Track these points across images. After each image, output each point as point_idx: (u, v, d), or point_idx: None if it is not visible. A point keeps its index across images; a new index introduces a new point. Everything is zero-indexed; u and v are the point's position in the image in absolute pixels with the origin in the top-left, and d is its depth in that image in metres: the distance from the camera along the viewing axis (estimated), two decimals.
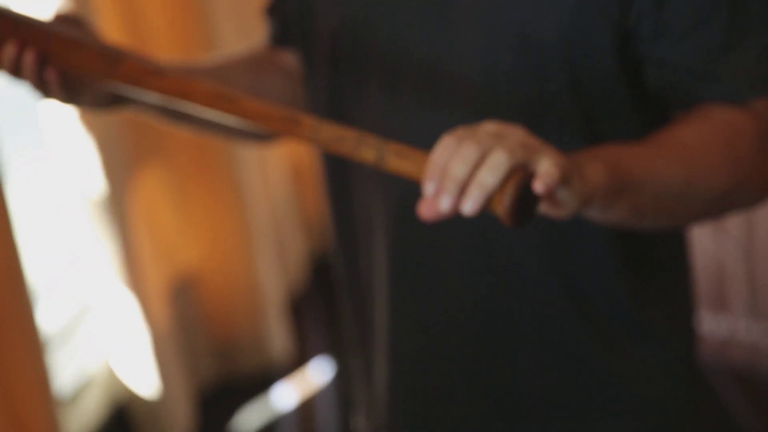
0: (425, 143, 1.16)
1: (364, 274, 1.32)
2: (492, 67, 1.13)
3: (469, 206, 0.89)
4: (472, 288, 1.22)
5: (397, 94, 1.19)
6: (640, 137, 1.12)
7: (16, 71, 1.19)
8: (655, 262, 1.25)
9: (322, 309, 3.47)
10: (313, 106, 1.30)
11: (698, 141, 1.09)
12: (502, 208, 0.90)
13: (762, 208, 2.66)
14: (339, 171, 1.30)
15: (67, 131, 2.27)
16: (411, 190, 1.17)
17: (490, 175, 0.89)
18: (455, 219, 0.96)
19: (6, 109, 2.13)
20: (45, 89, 1.19)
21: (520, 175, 0.90)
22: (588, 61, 1.12)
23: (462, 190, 0.90)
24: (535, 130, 1.12)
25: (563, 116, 1.14)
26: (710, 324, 2.85)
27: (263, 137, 1.39)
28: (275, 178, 3.32)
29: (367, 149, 0.99)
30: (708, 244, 2.80)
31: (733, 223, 2.75)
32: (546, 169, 0.90)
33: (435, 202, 0.90)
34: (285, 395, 2.97)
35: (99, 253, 2.39)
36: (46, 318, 2.17)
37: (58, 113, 2.24)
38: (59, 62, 1.18)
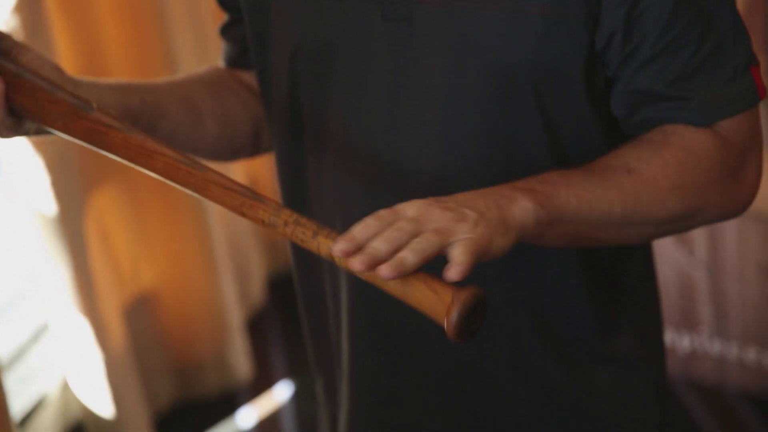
0: (388, 170, 1.14)
1: (328, 295, 1.30)
2: (458, 89, 1.12)
3: (386, 272, 0.92)
4: None
5: (360, 116, 1.18)
6: (606, 152, 1.12)
7: None
8: (622, 289, 1.25)
9: (282, 329, 3.45)
10: (273, 128, 1.28)
11: (647, 167, 1.09)
12: (450, 326, 0.92)
13: (726, 224, 2.67)
14: (298, 190, 1.27)
15: (18, 149, 2.22)
16: (374, 205, 1.15)
17: (411, 255, 0.93)
18: None
19: None
20: None
21: (464, 295, 0.92)
22: (555, 85, 1.11)
23: (376, 263, 0.93)
24: (503, 152, 1.13)
25: (531, 137, 1.13)
26: (676, 339, 2.85)
27: (228, 155, 1.36)
28: None
29: (324, 239, 0.99)
30: (673, 260, 2.80)
31: (698, 240, 2.75)
32: (458, 258, 0.93)
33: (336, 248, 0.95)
34: (245, 416, 2.94)
35: (53, 273, 2.35)
36: (1, 338, 2.12)
37: None
38: (20, 99, 1.12)
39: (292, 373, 3.13)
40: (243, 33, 1.31)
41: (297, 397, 3.01)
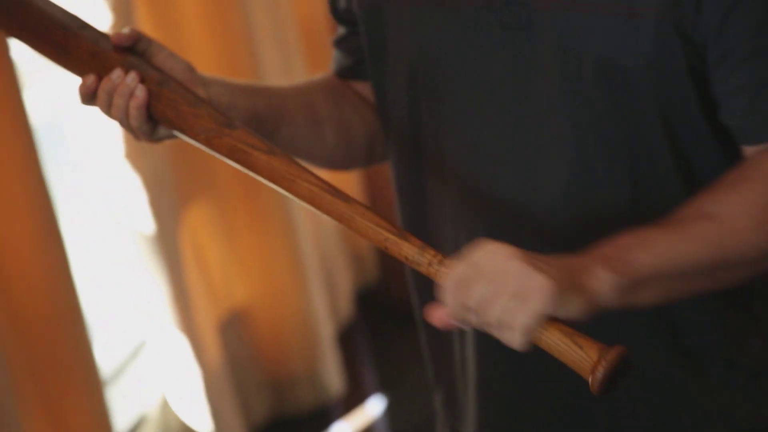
0: (509, 181, 1.13)
1: (453, 340, 1.29)
2: (577, 96, 1.11)
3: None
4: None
5: (479, 126, 1.17)
6: (729, 164, 1.10)
7: (108, 101, 1.15)
8: (753, 292, 1.22)
9: (371, 342, 3.45)
10: (391, 140, 1.28)
11: (725, 208, 1.06)
12: (595, 384, 0.94)
13: None
14: (417, 205, 1.27)
15: (116, 169, 2.25)
16: (497, 223, 1.14)
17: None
18: None
19: (56, 146, 2.12)
20: (125, 119, 1.16)
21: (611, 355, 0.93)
22: (672, 90, 1.10)
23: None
24: (626, 161, 1.11)
25: (653, 144, 1.12)
26: None
27: (343, 164, 1.37)
28: None
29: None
30: None
31: None
32: (522, 324, 0.95)
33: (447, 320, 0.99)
34: (338, 430, 2.93)
35: (151, 290, 2.37)
36: (103, 355, 2.15)
37: (106, 151, 2.23)
38: (162, 108, 1.14)
39: (384, 387, 3.13)
40: (357, 45, 1.32)
41: (390, 411, 3.01)
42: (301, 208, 2.97)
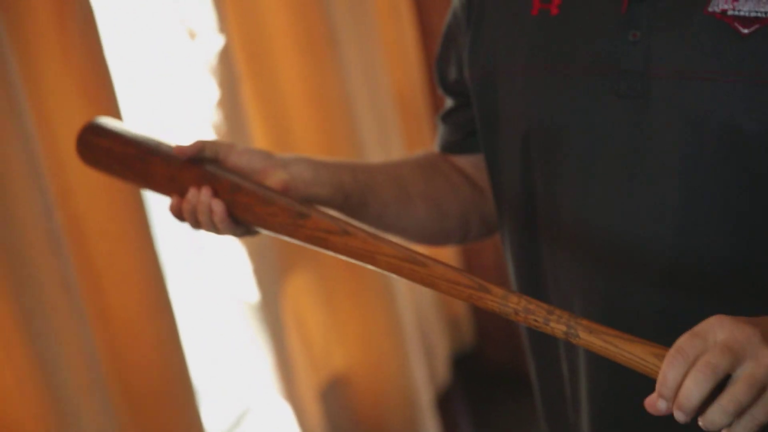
0: (625, 252, 1.13)
1: (565, 376, 1.29)
2: (697, 164, 1.11)
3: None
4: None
5: (594, 196, 1.17)
6: None
7: (194, 219, 1.20)
8: None
9: (468, 407, 3.44)
10: (503, 212, 1.29)
11: None
12: None
13: None
14: (531, 274, 1.27)
15: (222, 240, 2.31)
16: (610, 288, 1.14)
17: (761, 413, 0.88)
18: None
19: (165, 218, 2.18)
20: (216, 230, 1.20)
21: None
22: None
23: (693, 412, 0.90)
24: (746, 229, 1.10)
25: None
26: None
27: (436, 240, 1.38)
28: None
29: (556, 323, 0.99)
30: None
31: None
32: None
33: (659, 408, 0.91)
34: None
35: (255, 357, 2.41)
36: (209, 422, 2.18)
37: None
38: (241, 214, 1.18)
39: None
40: (465, 118, 1.33)
41: None
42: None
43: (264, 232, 1.20)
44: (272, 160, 1.21)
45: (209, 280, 2.43)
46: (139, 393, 1.94)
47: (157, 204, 2.05)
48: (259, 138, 2.50)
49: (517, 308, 1.01)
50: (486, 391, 3.52)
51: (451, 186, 1.37)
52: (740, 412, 0.88)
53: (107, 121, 1.27)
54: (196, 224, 1.21)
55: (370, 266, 1.12)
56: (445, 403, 3.44)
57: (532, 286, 1.28)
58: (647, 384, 0.95)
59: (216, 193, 1.17)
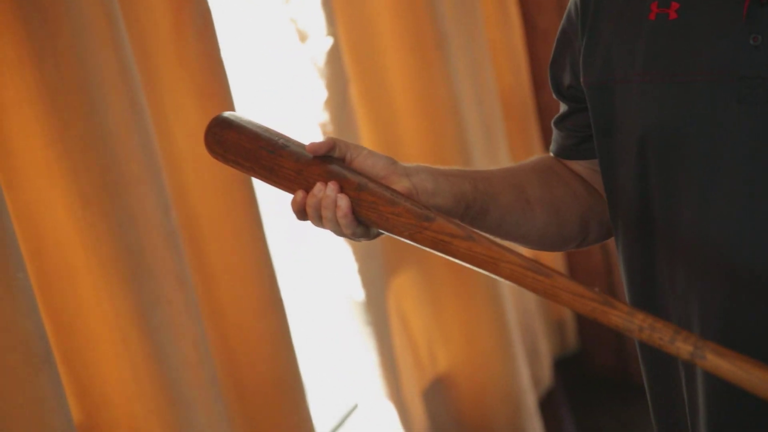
0: (746, 260, 1.11)
1: (683, 398, 1.28)
2: None
3: None
4: None
5: (714, 204, 1.16)
6: None
7: (317, 214, 1.20)
8: None
9: (571, 410, 3.42)
10: (618, 218, 1.28)
11: None
12: None
13: None
14: (647, 282, 1.26)
15: (330, 240, 2.33)
16: (732, 295, 1.13)
17: None
18: None
19: (276, 220, 2.21)
20: (337, 228, 1.20)
21: None
22: None
23: None
24: None
25: None
26: None
27: (555, 245, 1.38)
28: None
29: (683, 344, 0.99)
30: None
31: None
32: None
33: None
34: None
35: (361, 355, 2.43)
36: (318, 419, 2.21)
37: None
38: (365, 212, 1.18)
39: None
40: (580, 123, 1.33)
41: None
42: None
43: (385, 233, 1.20)
44: (396, 167, 1.22)
45: (317, 279, 2.46)
46: (250, 388, 1.97)
47: (269, 204, 2.08)
48: (366, 138, 2.52)
49: (642, 326, 1.00)
50: (589, 394, 3.49)
51: (569, 191, 1.36)
52: None
53: (236, 115, 1.28)
54: (319, 220, 1.21)
55: (491, 274, 1.12)
56: (547, 405, 3.42)
57: (646, 296, 1.26)
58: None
59: (342, 190, 1.18)
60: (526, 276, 1.09)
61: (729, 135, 1.14)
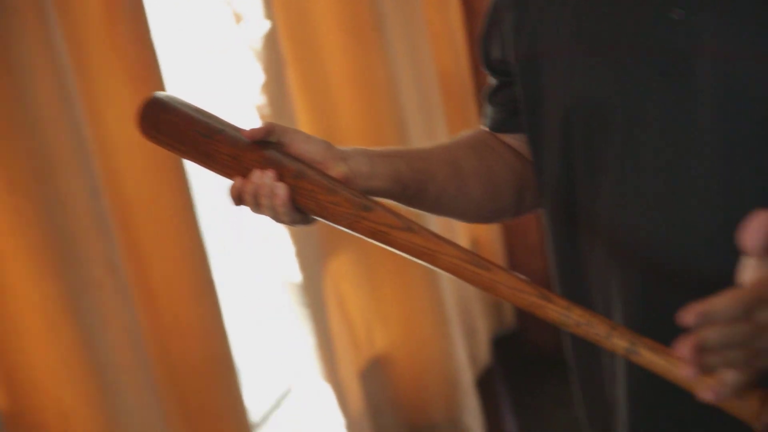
0: (659, 226, 1.13)
1: (603, 352, 1.29)
2: (736, 142, 1.10)
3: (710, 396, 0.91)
4: None
5: (635, 176, 1.17)
6: None
7: (255, 201, 1.19)
8: None
9: (509, 387, 3.45)
10: (541, 187, 1.30)
11: None
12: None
13: None
14: (572, 257, 1.28)
15: (265, 222, 2.32)
16: (649, 269, 1.14)
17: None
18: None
19: (209, 201, 2.20)
20: (274, 215, 1.20)
21: None
22: None
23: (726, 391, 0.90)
24: None
25: None
26: None
27: (491, 217, 1.38)
28: None
29: (618, 340, 0.99)
30: None
31: None
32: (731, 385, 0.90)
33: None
34: None
35: (298, 338, 2.43)
36: (251, 402, 2.21)
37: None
38: (303, 201, 1.17)
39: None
40: (510, 97, 1.33)
41: None
42: None
43: (323, 221, 1.20)
44: (332, 151, 1.21)
45: (252, 261, 2.46)
46: (182, 373, 1.97)
47: (202, 187, 2.07)
48: (303, 121, 2.51)
49: (579, 321, 1.01)
50: (526, 372, 3.53)
51: (503, 164, 1.37)
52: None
53: (171, 96, 1.26)
54: (256, 207, 1.20)
55: (430, 265, 1.12)
56: (485, 383, 3.45)
57: (571, 276, 1.28)
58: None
59: (280, 177, 1.17)
60: (465, 269, 1.09)
61: (651, 110, 1.15)
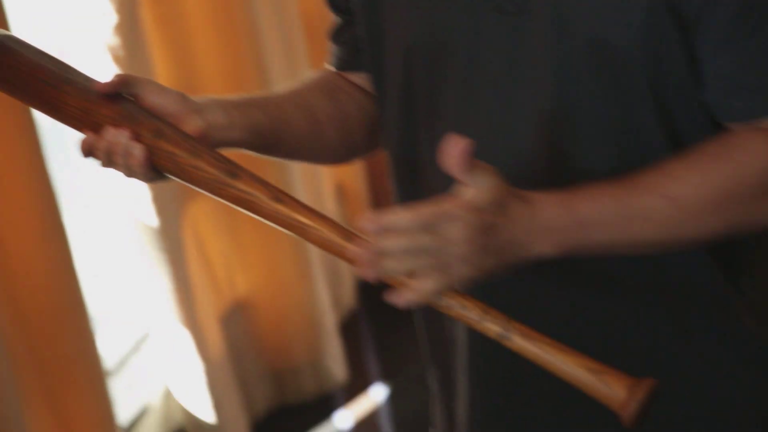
0: (502, 161, 1.13)
1: (445, 324, 1.30)
2: (570, 77, 1.11)
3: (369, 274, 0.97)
4: (559, 301, 1.20)
5: (473, 111, 1.17)
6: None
7: (108, 159, 1.12)
8: (740, 267, 1.23)
9: (374, 331, 3.46)
10: (386, 126, 1.29)
11: (690, 191, 1.06)
12: (627, 421, 0.95)
13: None
14: (412, 191, 1.28)
15: None
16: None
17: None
18: None
19: (59, 140, 2.14)
20: (129, 174, 1.14)
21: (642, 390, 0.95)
22: (663, 66, 1.10)
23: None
24: (615, 138, 1.12)
25: (643, 120, 1.12)
26: None
27: (346, 158, 1.38)
28: (324, 199, 3.33)
29: (491, 324, 1.00)
30: None
31: None
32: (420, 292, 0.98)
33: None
34: (342, 418, 2.96)
35: (155, 283, 2.40)
36: (106, 348, 2.18)
37: None
38: (161, 162, 1.11)
39: (387, 375, 3.15)
40: (353, 35, 1.31)
41: (392, 398, 3.03)
42: (302, 197, 2.99)
43: (182, 183, 1.13)
44: (187, 104, 1.15)
45: (106, 204, 2.41)
46: (32, 318, 1.92)
47: (51, 125, 2.01)
48: (160, 64, 2.46)
49: (451, 303, 1.00)
50: (391, 315, 3.54)
51: (354, 104, 1.34)
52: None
53: (12, 38, 1.16)
54: (110, 164, 1.13)
55: (299, 237, 1.07)
56: (349, 327, 3.46)
57: (411, 199, 1.27)
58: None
59: (136, 136, 1.11)
60: (334, 244, 1.05)
61: (489, 44, 1.15)
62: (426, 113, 1.22)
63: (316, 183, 3.28)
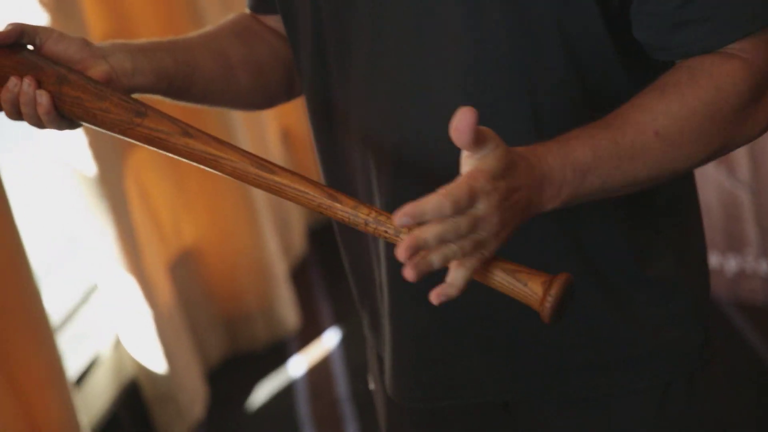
0: (413, 102, 1.12)
1: (363, 238, 1.29)
2: (479, 19, 1.09)
3: (410, 275, 0.92)
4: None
5: (384, 50, 1.15)
6: (631, 82, 1.12)
7: (14, 110, 1.11)
8: (657, 210, 1.23)
9: (325, 277, 3.47)
10: (302, 71, 1.27)
11: (675, 123, 1.06)
12: (545, 317, 0.95)
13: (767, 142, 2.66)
14: (328, 129, 1.26)
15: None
16: (400, 153, 1.13)
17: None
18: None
19: None
20: (38, 123, 1.12)
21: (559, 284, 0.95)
22: (574, 9, 1.09)
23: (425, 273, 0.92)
24: (519, 82, 1.11)
25: (553, 64, 1.11)
26: (723, 261, 2.85)
27: (263, 104, 1.35)
28: (269, 146, 3.30)
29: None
30: (716, 182, 2.79)
31: (740, 161, 2.74)
32: (457, 282, 0.94)
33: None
34: (295, 365, 2.96)
35: (98, 234, 2.37)
36: (53, 302, 2.14)
37: None
38: (68, 108, 1.10)
39: (339, 320, 3.15)
40: None
41: (345, 344, 3.03)
42: (247, 143, 2.97)
43: (92, 127, 1.12)
44: (90, 49, 1.14)
45: (42, 153, 2.35)
46: None
47: None
48: (91, 12, 2.41)
49: (367, 219, 0.99)
50: (342, 261, 3.54)
51: (269, 48, 1.33)
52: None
53: None
54: (17, 115, 1.12)
55: (214, 170, 1.07)
56: (301, 273, 3.46)
57: (326, 137, 1.26)
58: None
59: (40, 84, 1.10)
60: (248, 173, 1.05)
61: None
62: (336, 55, 1.19)
63: (260, 129, 3.25)
